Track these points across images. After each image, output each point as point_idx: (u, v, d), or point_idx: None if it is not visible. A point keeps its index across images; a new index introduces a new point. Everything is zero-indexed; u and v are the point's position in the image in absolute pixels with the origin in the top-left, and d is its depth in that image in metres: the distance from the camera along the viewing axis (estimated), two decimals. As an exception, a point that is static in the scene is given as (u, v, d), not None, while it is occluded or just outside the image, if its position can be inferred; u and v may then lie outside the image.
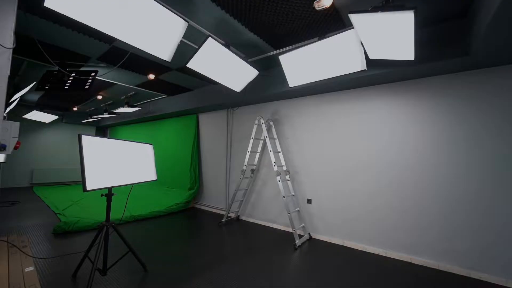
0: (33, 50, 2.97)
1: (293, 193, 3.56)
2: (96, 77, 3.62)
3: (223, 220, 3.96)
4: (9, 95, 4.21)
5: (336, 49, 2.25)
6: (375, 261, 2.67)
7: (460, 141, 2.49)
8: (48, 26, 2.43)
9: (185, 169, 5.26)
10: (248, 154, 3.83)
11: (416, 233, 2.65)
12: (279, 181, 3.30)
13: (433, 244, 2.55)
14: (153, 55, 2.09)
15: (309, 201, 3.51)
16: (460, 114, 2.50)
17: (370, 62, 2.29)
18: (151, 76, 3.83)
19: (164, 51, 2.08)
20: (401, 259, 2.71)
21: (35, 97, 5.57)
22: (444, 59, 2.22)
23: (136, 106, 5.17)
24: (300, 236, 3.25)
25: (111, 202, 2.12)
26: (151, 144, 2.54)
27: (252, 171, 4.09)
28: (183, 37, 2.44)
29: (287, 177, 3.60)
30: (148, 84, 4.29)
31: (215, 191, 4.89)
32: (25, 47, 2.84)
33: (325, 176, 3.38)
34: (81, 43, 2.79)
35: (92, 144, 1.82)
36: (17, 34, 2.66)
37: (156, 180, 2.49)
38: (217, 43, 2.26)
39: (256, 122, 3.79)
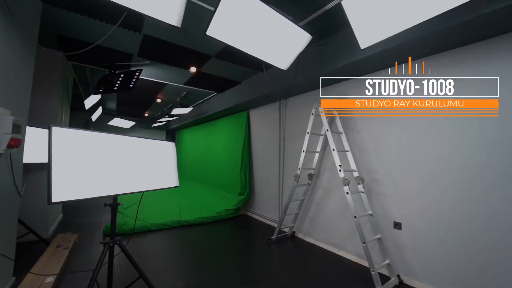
0: (83, 56, 3.03)
1: (370, 212, 2.44)
2: (141, 77, 3.56)
3: (273, 236, 3.18)
4: (81, 100, 4.74)
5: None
6: None
7: None
8: (81, 21, 2.30)
9: (235, 171, 4.78)
10: (303, 154, 2.95)
11: None
12: (347, 192, 2.30)
13: None
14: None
15: (397, 225, 2.33)
16: None
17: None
18: (193, 69, 3.48)
19: (170, 12, 1.52)
20: None
21: (113, 105, 6.31)
22: None
23: (188, 106, 5.08)
24: (384, 280, 2.13)
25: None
26: (172, 142, 2.05)
27: (310, 176, 3.16)
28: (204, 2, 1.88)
29: (360, 187, 2.51)
30: (194, 80, 4.01)
31: (267, 199, 4.17)
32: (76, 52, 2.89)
33: (423, 188, 2.14)
34: (115, 37, 2.60)
35: (79, 140, 1.39)
36: (65, 37, 2.74)
37: (178, 186, 1.98)
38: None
39: (313, 111, 2.86)
